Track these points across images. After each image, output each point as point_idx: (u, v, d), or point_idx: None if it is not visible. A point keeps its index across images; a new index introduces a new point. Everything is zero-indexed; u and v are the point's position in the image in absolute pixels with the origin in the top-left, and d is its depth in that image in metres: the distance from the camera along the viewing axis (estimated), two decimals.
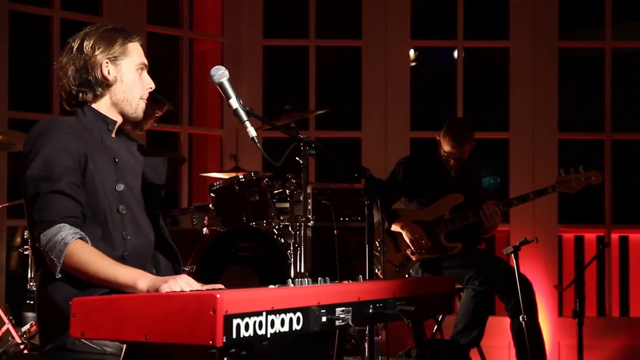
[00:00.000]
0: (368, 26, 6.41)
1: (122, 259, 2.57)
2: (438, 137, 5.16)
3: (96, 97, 2.73)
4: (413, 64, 7.15)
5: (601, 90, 6.34)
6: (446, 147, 5.09)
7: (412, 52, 6.78)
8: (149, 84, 2.80)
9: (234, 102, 2.65)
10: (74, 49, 2.72)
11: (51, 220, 2.48)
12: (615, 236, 6.33)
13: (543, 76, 6.30)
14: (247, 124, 2.64)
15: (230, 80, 2.68)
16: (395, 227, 5.05)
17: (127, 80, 2.73)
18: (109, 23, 2.88)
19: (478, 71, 7.28)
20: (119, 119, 2.78)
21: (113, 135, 2.77)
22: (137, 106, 2.77)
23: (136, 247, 2.65)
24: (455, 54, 6.53)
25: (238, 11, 6.42)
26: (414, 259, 5.04)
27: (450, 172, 5.19)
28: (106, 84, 2.72)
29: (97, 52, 2.69)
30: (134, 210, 2.69)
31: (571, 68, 6.59)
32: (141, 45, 2.81)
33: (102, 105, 2.74)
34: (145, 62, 2.80)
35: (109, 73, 2.71)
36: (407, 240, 5.00)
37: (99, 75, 2.70)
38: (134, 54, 2.76)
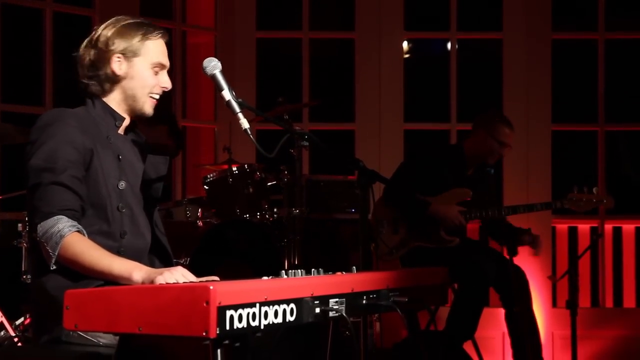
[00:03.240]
0: (361, 18, 6.40)
1: (118, 254, 2.56)
2: (476, 136, 5.07)
3: (105, 92, 2.72)
4: (407, 55, 7.14)
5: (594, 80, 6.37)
6: (502, 137, 4.98)
7: (405, 44, 6.78)
8: (165, 84, 2.77)
9: (227, 94, 2.65)
10: (93, 40, 2.72)
11: (49, 212, 2.48)
12: (608, 227, 6.35)
13: (536, 68, 6.30)
14: (240, 115, 2.63)
15: (222, 72, 2.68)
16: (433, 213, 4.91)
17: (137, 77, 2.71)
18: (138, 17, 2.85)
19: (471, 63, 7.27)
20: (127, 116, 2.77)
21: (121, 131, 2.76)
22: (144, 103, 2.74)
23: (133, 246, 2.66)
24: (449, 45, 6.53)
25: (231, 3, 6.41)
26: (456, 240, 4.98)
27: (467, 170, 5.12)
28: (115, 80, 2.71)
29: (111, 47, 2.68)
30: (133, 209, 2.69)
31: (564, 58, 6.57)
32: (165, 43, 2.78)
33: (112, 100, 2.73)
34: (164, 62, 2.77)
35: (120, 69, 2.69)
36: (451, 224, 4.90)
37: (109, 70, 2.69)
38: (152, 52, 2.73)
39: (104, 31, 2.70)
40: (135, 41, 2.70)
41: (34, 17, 5.91)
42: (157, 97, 2.78)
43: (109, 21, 2.75)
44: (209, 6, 6.61)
